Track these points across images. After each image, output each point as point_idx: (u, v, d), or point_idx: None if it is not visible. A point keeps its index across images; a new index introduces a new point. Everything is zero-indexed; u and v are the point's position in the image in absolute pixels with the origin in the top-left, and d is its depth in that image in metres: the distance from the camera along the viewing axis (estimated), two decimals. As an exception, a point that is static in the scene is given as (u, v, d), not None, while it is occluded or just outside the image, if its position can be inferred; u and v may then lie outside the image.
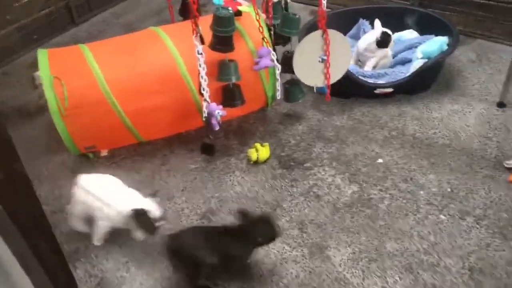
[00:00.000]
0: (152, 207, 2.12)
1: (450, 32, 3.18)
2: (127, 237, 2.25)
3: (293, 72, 2.81)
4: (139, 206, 2.09)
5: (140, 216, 2.07)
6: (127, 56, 2.66)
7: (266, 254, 2.21)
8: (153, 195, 2.19)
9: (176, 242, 2.03)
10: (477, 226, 2.26)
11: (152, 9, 4.43)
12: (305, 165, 2.69)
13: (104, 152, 2.86)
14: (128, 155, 2.86)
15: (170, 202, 2.53)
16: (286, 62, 2.77)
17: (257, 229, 2.01)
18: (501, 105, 2.87)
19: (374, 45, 3.11)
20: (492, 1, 3.50)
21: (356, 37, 3.50)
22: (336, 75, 2.76)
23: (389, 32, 3.09)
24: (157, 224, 2.11)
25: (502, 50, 3.42)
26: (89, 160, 2.82)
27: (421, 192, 2.45)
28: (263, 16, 2.81)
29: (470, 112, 2.92)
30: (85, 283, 2.16)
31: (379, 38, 3.05)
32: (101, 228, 2.24)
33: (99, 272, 2.20)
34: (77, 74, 2.58)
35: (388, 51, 3.17)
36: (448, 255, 2.15)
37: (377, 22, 3.16)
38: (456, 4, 3.61)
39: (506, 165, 2.52)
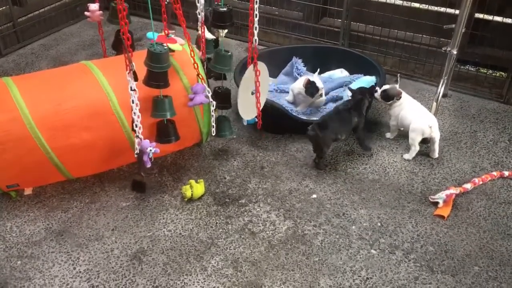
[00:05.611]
0: None
1: (377, 72, 3.36)
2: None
3: (223, 108, 2.86)
4: None
5: None
6: (55, 91, 2.56)
7: (200, 295, 2.15)
8: None
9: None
10: (406, 259, 2.33)
11: (84, 42, 4.31)
12: (240, 201, 2.67)
13: (28, 191, 2.70)
14: (54, 193, 2.72)
15: (99, 243, 2.41)
16: (217, 98, 2.78)
17: None
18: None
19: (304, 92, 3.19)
20: (415, 43, 3.75)
21: (290, 74, 3.61)
22: (262, 102, 2.86)
23: (316, 82, 3.14)
24: None
25: (424, 89, 3.64)
26: (11, 199, 2.65)
27: (353, 227, 2.51)
28: (198, 52, 2.83)
29: (397, 148, 3.06)
30: None
31: (304, 88, 3.14)
32: None
33: None
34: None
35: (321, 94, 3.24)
36: (379, 290, 2.20)
37: (314, 76, 3.22)
38: (383, 46, 3.84)
39: (431, 200, 2.64)
